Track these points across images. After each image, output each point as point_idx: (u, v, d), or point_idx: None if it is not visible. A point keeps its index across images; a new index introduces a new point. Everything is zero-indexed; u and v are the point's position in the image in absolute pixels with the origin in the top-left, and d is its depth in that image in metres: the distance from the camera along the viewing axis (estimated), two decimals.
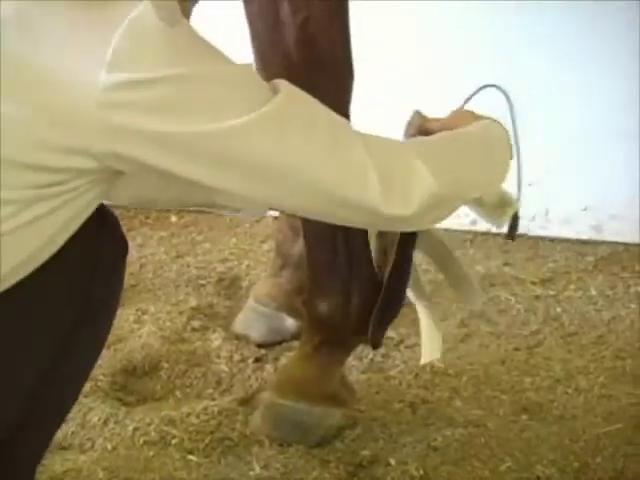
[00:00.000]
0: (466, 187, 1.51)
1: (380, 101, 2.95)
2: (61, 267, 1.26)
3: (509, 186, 1.73)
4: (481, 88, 1.77)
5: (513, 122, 1.73)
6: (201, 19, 2.84)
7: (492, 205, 1.92)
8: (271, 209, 1.82)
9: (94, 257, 1.32)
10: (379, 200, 1.32)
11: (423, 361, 2.14)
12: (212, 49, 1.30)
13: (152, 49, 1.19)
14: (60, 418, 1.46)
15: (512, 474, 1.85)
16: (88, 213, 1.28)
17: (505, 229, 1.95)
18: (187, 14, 1.42)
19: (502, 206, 1.95)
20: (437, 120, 1.65)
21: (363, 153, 1.32)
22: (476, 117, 1.62)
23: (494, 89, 1.76)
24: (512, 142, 1.67)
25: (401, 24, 2.99)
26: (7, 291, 1.22)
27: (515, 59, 2.94)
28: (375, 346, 1.95)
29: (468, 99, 1.76)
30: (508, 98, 1.76)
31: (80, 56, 1.17)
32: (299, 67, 1.79)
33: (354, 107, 1.95)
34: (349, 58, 1.86)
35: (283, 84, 1.34)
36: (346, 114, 1.89)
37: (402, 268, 1.83)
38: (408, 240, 1.81)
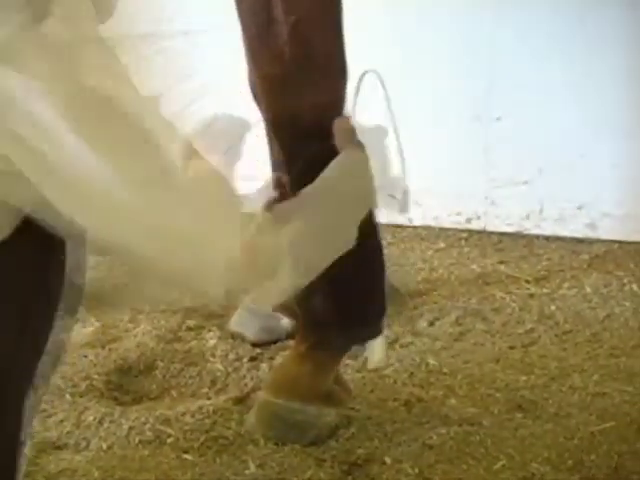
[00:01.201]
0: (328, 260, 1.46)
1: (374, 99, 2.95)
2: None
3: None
4: (363, 75, 1.78)
5: (388, 106, 1.74)
6: (193, 20, 2.82)
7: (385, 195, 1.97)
8: None
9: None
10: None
11: (370, 367, 2.20)
12: None
13: None
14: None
15: (507, 472, 1.85)
16: None
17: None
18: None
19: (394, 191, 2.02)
20: None
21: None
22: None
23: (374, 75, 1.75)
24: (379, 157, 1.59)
25: (396, 23, 2.99)
26: None
27: (507, 57, 2.95)
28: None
29: (357, 91, 1.78)
30: (383, 85, 1.77)
31: None
32: (291, 66, 1.79)
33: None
34: (342, 56, 1.86)
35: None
36: (340, 112, 1.89)
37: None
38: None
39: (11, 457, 1.43)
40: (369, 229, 1.92)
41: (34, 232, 1.25)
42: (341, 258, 1.88)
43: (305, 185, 1.83)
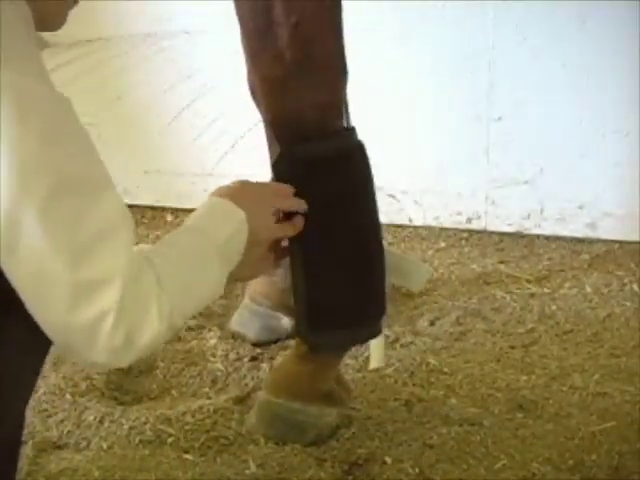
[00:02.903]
0: (195, 307, 1.42)
1: (375, 99, 2.95)
2: None
3: None
4: None
5: None
6: (193, 20, 2.83)
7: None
8: None
9: None
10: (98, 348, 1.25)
11: (370, 368, 2.22)
12: None
13: None
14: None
15: (507, 472, 1.85)
16: None
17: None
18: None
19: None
20: None
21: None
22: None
23: None
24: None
25: (396, 22, 2.99)
26: None
27: (507, 57, 2.94)
28: (313, 349, 1.94)
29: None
30: None
31: None
32: (292, 67, 1.78)
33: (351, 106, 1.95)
34: (342, 57, 1.86)
35: None
36: (340, 113, 1.89)
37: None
38: None
39: (12, 459, 1.43)
40: (370, 229, 1.92)
41: None
42: (341, 258, 1.89)
43: (305, 185, 1.83)
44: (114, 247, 1.24)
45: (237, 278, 1.88)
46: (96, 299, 1.22)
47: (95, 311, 1.22)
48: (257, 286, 2.39)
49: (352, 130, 1.90)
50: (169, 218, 3.16)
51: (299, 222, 1.74)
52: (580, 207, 3.00)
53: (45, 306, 1.23)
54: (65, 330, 1.24)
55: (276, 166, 1.86)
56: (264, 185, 1.72)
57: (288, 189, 1.73)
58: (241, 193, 1.55)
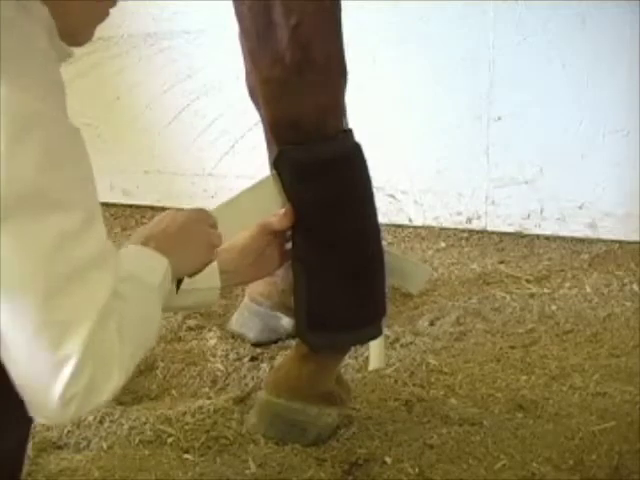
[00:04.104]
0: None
1: (375, 99, 2.96)
2: None
3: None
4: None
5: None
6: (193, 20, 2.83)
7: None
8: None
9: None
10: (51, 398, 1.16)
11: (370, 369, 2.22)
12: None
13: None
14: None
15: (508, 472, 1.85)
16: None
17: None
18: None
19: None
20: None
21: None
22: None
23: None
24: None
25: (396, 23, 2.99)
26: None
27: (507, 57, 2.95)
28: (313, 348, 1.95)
29: None
30: None
31: None
32: (292, 69, 1.78)
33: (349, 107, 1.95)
34: (342, 57, 1.86)
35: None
36: (340, 114, 1.89)
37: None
38: None
39: (19, 459, 1.43)
40: (369, 230, 1.92)
41: None
42: (341, 260, 1.89)
43: (304, 186, 1.83)
44: (91, 287, 1.18)
45: (236, 283, 1.89)
46: (61, 341, 1.14)
47: (58, 354, 1.14)
48: (257, 286, 2.40)
49: (349, 132, 1.90)
50: None
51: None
52: (580, 207, 3.00)
53: (8, 339, 1.16)
54: (25, 367, 1.16)
55: (274, 167, 1.86)
56: (186, 217, 1.54)
57: (208, 217, 1.59)
58: (164, 237, 1.46)
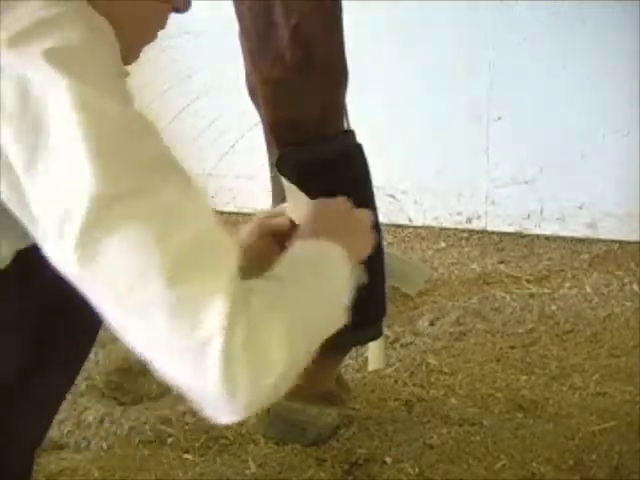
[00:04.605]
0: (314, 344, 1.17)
1: (375, 99, 2.95)
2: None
3: None
4: None
5: None
6: (193, 20, 2.83)
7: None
8: None
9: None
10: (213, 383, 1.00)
11: (370, 369, 2.22)
12: None
13: None
14: (48, 415, 1.45)
15: (508, 472, 1.85)
16: None
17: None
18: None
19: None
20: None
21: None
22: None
23: None
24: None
25: (396, 23, 2.99)
26: None
27: (507, 57, 2.95)
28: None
29: None
30: None
31: None
32: (292, 68, 1.78)
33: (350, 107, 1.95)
34: (343, 58, 1.86)
35: None
36: (340, 114, 1.89)
37: None
38: None
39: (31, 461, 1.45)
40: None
41: None
42: None
43: (304, 187, 1.83)
44: (215, 262, 1.04)
45: None
46: (199, 321, 1.00)
47: (198, 336, 0.99)
48: None
49: (351, 132, 1.90)
50: None
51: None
52: (580, 207, 3.00)
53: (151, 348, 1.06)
54: (175, 365, 1.03)
55: (275, 168, 1.86)
56: (335, 206, 1.44)
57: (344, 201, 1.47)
58: (333, 229, 1.32)
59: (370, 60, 2.91)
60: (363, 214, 1.42)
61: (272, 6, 1.77)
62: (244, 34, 1.86)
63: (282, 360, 1.03)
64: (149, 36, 1.34)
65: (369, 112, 2.79)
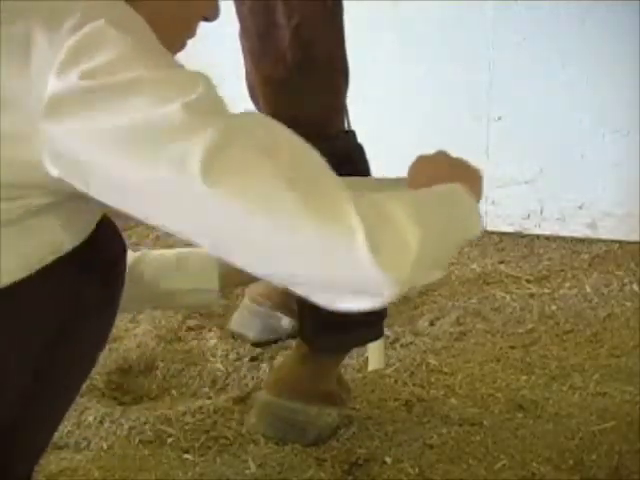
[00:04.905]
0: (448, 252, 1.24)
1: (375, 99, 2.95)
2: (55, 267, 1.26)
3: None
4: None
5: None
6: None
7: None
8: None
9: (91, 257, 1.31)
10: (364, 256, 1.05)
11: (369, 369, 2.21)
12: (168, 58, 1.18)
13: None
14: (58, 417, 1.46)
15: (508, 472, 1.85)
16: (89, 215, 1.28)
17: None
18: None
19: None
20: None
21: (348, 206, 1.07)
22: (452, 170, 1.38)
23: None
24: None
25: (396, 23, 2.99)
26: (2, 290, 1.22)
27: (507, 57, 2.95)
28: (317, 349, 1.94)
29: None
30: None
31: None
32: (293, 69, 1.78)
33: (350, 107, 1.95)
34: (344, 59, 1.86)
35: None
36: (341, 115, 1.89)
37: None
38: None
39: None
40: None
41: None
42: None
43: None
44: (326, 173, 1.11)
45: (235, 285, 1.88)
46: (338, 213, 1.05)
47: (342, 227, 1.05)
48: (257, 286, 2.40)
49: (352, 132, 1.90)
50: None
51: None
52: (580, 207, 3.00)
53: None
54: (326, 262, 1.06)
55: None
56: (439, 157, 1.51)
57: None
58: (446, 173, 1.36)
59: (370, 60, 2.91)
60: (462, 159, 1.42)
61: (273, 6, 1.77)
62: (244, 34, 1.86)
63: (416, 240, 1.08)
64: (180, 44, 1.37)
65: (369, 112, 2.79)
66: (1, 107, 1.12)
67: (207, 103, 1.10)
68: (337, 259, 1.06)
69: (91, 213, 1.29)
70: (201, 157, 1.04)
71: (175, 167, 1.05)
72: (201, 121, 1.07)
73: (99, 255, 1.32)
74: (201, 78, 1.12)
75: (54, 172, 1.12)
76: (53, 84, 1.09)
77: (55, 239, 1.24)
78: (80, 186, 1.13)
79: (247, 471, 1.86)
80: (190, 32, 1.35)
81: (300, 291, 1.12)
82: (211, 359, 2.29)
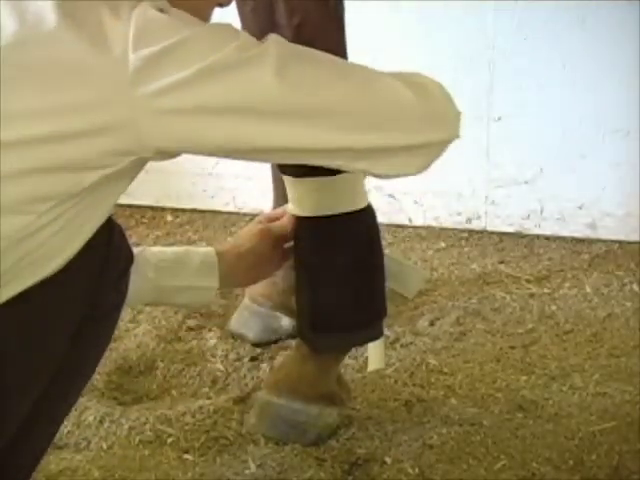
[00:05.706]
0: None
1: None
2: (75, 272, 1.27)
3: None
4: None
5: None
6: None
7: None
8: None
9: (106, 263, 1.32)
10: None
11: (369, 369, 2.20)
12: None
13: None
14: (61, 418, 1.47)
15: (508, 472, 1.85)
16: (104, 213, 1.29)
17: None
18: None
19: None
20: None
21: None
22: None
23: None
24: None
25: (396, 23, 2.99)
26: (23, 293, 1.22)
27: (507, 57, 2.95)
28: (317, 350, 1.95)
29: None
30: None
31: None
32: None
33: None
34: (345, 57, 1.86)
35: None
36: None
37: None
38: None
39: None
40: (369, 230, 1.92)
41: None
42: (342, 261, 1.88)
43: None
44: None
45: (235, 285, 1.93)
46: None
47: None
48: (257, 287, 2.39)
49: None
50: (169, 218, 3.16)
51: None
52: (580, 207, 3.00)
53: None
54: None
55: (278, 168, 1.86)
56: None
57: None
58: None
59: (370, 60, 2.91)
60: None
61: (275, 7, 1.77)
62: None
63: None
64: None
65: None
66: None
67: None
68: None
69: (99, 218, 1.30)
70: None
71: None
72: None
73: (114, 263, 1.34)
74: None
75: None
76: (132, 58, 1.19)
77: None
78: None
79: (247, 471, 1.86)
80: (206, 19, 1.38)
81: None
82: (211, 359, 2.29)
